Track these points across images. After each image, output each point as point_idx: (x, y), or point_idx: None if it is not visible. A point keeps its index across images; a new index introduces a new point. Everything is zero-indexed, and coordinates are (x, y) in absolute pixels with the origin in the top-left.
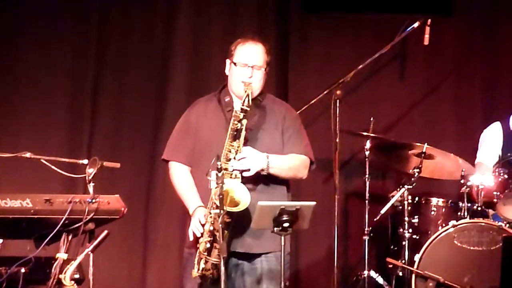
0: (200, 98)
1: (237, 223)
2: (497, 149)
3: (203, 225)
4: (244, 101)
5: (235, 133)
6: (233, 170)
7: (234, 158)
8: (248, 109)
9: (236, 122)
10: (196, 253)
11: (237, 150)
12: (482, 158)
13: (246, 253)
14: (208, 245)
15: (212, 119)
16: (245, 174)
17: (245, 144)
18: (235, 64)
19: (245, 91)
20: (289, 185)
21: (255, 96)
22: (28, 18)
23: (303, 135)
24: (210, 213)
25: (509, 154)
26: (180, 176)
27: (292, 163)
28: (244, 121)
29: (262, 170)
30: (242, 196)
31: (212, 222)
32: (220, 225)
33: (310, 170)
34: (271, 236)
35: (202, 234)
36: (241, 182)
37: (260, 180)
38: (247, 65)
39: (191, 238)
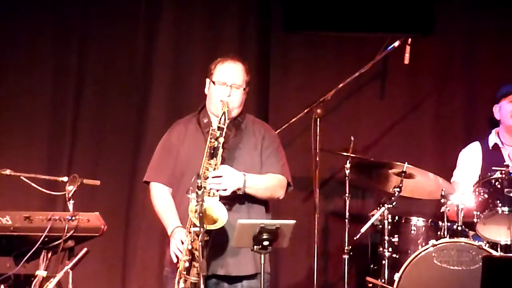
0: (179, 120)
1: (216, 243)
2: (476, 168)
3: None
4: (220, 119)
5: (212, 151)
6: (210, 188)
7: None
8: (225, 127)
9: (213, 140)
10: (176, 272)
11: (215, 168)
12: (458, 177)
13: (226, 276)
14: (187, 264)
15: (192, 141)
16: (221, 193)
17: (223, 163)
18: (214, 83)
19: (222, 109)
20: (268, 205)
21: (235, 117)
22: (8, 35)
23: (281, 156)
24: (190, 232)
25: (489, 173)
26: (161, 197)
27: (269, 183)
28: (221, 139)
29: (239, 189)
30: (219, 214)
31: (191, 240)
32: (200, 243)
33: (287, 191)
34: (251, 256)
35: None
36: (220, 200)
37: (238, 200)
38: (225, 84)
39: (175, 259)
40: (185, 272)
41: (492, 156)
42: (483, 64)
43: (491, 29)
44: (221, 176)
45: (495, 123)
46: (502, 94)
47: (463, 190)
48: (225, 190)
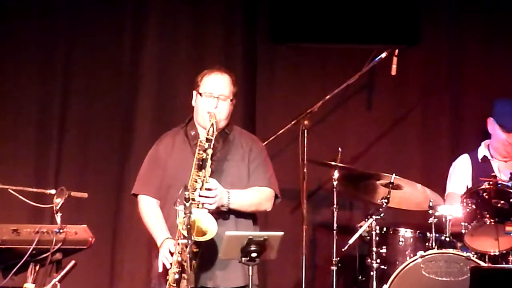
0: (167, 132)
1: (205, 255)
2: (466, 180)
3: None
4: (208, 130)
5: (201, 163)
6: (199, 201)
7: (201, 188)
8: (213, 138)
9: (201, 152)
10: (164, 284)
11: (203, 180)
12: (452, 189)
13: None
14: (177, 276)
15: (180, 153)
16: (206, 206)
17: (212, 174)
18: (200, 94)
19: (210, 121)
20: (255, 218)
21: (222, 128)
22: None
23: (268, 168)
24: (178, 244)
25: (477, 185)
26: (149, 209)
27: (254, 199)
28: (209, 151)
29: (222, 206)
30: (209, 225)
31: (180, 252)
32: (188, 255)
33: (275, 203)
34: (239, 269)
35: (171, 265)
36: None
37: (226, 213)
38: (212, 95)
39: (161, 269)
40: (174, 284)
41: (482, 169)
42: (470, 75)
43: (478, 40)
44: (215, 189)
45: (483, 134)
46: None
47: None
48: (211, 205)
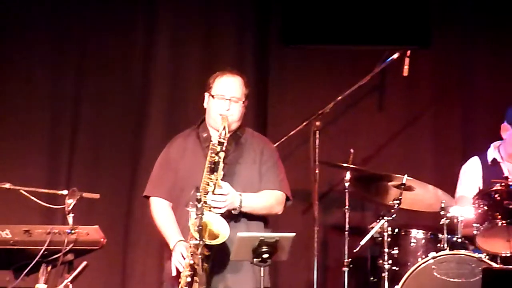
0: (179, 134)
1: (216, 258)
2: (477, 183)
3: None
4: (220, 133)
5: (213, 166)
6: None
7: (213, 191)
8: (225, 141)
9: (213, 155)
10: (176, 286)
11: (215, 183)
12: (463, 192)
13: None
14: (189, 279)
15: (191, 155)
16: (216, 210)
17: (224, 177)
18: (213, 96)
19: (222, 124)
20: (267, 221)
21: (234, 131)
22: (6, 50)
23: (280, 171)
24: (190, 246)
25: (488, 186)
26: (161, 211)
27: (265, 203)
28: (222, 154)
29: (234, 209)
30: (221, 229)
31: (192, 254)
32: (200, 257)
33: (286, 205)
34: (250, 271)
35: (183, 268)
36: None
37: (237, 216)
38: (224, 98)
39: (174, 273)
40: (186, 287)
41: (492, 171)
42: (481, 77)
43: (490, 42)
44: (226, 194)
45: (494, 136)
46: None
47: (469, 203)
48: (220, 208)
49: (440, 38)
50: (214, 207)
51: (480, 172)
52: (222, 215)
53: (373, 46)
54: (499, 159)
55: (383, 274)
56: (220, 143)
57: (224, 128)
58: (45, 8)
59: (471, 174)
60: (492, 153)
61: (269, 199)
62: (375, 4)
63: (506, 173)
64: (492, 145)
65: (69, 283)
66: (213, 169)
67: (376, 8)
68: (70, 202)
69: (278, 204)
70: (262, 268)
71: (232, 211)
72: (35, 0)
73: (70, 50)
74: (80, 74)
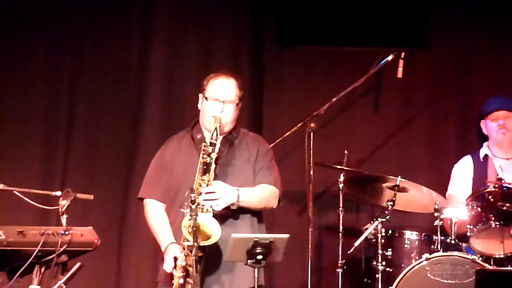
0: (173, 136)
1: (210, 259)
2: (468, 182)
3: (175, 261)
4: (212, 134)
5: (205, 167)
6: (203, 205)
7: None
8: (216, 142)
9: (205, 156)
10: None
11: (207, 184)
12: (453, 191)
13: None
14: (181, 280)
15: (186, 157)
16: (214, 208)
17: (216, 179)
18: (206, 98)
19: (214, 125)
20: (261, 216)
21: (228, 132)
22: (2, 52)
23: (274, 169)
24: (184, 248)
25: (482, 187)
26: (155, 213)
27: (262, 195)
28: (213, 155)
29: (232, 204)
30: (213, 230)
31: (185, 256)
32: (194, 258)
33: (278, 205)
34: (245, 272)
35: (174, 269)
36: (213, 216)
37: (231, 213)
38: (218, 100)
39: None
40: None
41: (483, 168)
42: (477, 78)
43: (485, 43)
44: (214, 192)
45: (486, 137)
46: (485, 112)
47: (458, 203)
48: (218, 205)
49: (435, 39)
50: (211, 206)
51: (472, 171)
52: (220, 212)
53: (369, 47)
54: (490, 155)
55: (377, 276)
56: (212, 144)
57: (216, 129)
58: (41, 11)
59: (462, 173)
60: (484, 150)
61: (266, 192)
62: (371, 5)
63: (498, 169)
64: (484, 143)
65: (63, 284)
66: (205, 170)
67: (372, 9)
68: (64, 203)
69: (274, 197)
70: (256, 269)
71: (231, 207)
72: (30, 3)
73: (65, 52)
74: (76, 75)
